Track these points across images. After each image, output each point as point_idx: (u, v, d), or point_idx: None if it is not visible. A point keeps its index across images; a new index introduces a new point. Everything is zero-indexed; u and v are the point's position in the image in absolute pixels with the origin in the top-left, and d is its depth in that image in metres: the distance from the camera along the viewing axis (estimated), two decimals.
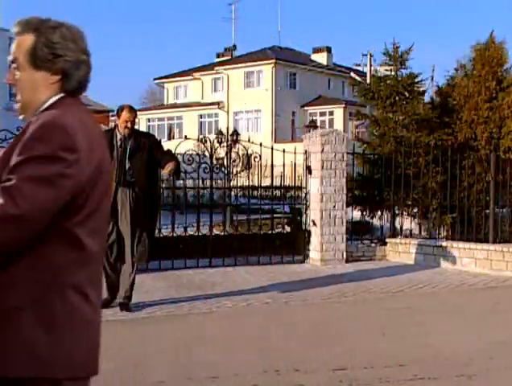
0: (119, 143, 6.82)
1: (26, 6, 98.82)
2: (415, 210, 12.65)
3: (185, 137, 11.17)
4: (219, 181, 11.69)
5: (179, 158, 10.20)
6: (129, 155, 6.81)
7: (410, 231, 12.29)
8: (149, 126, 52.77)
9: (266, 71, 48.73)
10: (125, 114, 6.77)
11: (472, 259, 10.28)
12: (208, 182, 10.87)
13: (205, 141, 10.67)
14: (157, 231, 9.93)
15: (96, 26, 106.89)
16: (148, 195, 6.91)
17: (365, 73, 38.02)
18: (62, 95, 2.02)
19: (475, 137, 13.15)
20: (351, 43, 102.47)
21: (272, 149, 10.96)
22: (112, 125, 6.51)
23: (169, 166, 6.76)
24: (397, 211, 12.53)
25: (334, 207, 10.87)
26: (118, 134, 6.85)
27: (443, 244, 10.91)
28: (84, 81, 2.08)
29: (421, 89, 13.68)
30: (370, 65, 38.12)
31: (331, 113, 49.43)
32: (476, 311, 7.29)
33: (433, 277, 9.53)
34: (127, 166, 6.80)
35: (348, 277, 9.45)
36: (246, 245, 10.49)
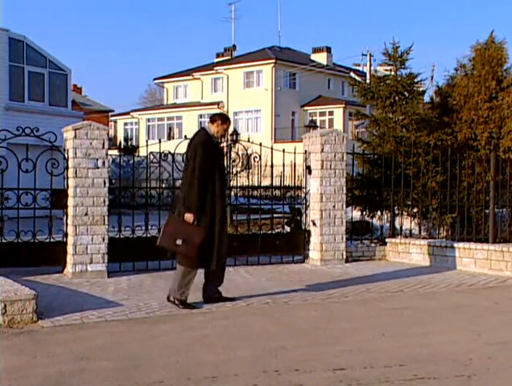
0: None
1: (27, 6, 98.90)
2: (415, 210, 12.65)
3: (185, 137, 11.14)
4: None
5: (179, 158, 10.25)
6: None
7: (410, 231, 12.29)
8: (148, 126, 52.78)
9: (265, 71, 48.74)
10: (229, 123, 7.45)
11: (471, 259, 10.28)
12: None
13: None
14: (157, 231, 9.95)
15: (96, 26, 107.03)
16: None
17: (365, 73, 38.06)
18: None
19: (475, 137, 13.16)
20: (351, 43, 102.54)
21: (272, 149, 10.96)
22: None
23: None
24: (397, 211, 12.53)
25: (334, 207, 10.87)
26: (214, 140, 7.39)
27: (443, 244, 10.91)
28: None
29: (421, 89, 13.67)
30: (370, 65, 38.18)
31: (331, 113, 49.45)
32: (476, 311, 7.29)
33: (433, 277, 9.53)
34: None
35: (348, 277, 9.45)
36: (246, 245, 10.49)
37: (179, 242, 6.95)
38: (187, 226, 6.99)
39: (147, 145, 10.73)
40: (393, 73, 13.49)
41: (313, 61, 51.64)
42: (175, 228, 7.00)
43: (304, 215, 11.17)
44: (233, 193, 11.72)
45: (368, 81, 20.41)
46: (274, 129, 48.15)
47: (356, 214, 12.32)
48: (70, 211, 9.19)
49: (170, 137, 49.55)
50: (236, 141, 12.69)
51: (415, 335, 6.03)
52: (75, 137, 9.15)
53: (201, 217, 7.02)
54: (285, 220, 13.12)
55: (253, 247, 10.53)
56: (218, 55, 55.26)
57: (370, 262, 11.24)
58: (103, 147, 9.27)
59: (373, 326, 6.36)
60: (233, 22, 67.96)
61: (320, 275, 9.64)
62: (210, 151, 7.18)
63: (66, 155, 9.34)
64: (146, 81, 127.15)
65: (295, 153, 11.15)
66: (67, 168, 9.31)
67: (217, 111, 50.54)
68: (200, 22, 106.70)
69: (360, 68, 42.62)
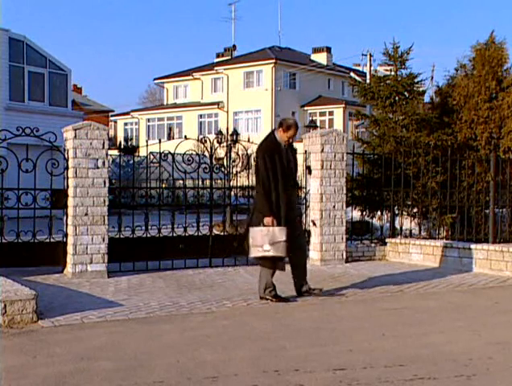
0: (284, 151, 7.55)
1: (27, 6, 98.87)
2: (415, 210, 12.65)
3: (185, 137, 11.17)
4: (219, 181, 11.68)
5: (179, 158, 10.26)
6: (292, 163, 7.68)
7: (410, 231, 12.29)
8: (148, 126, 52.76)
9: (265, 71, 48.73)
10: (293, 132, 7.59)
11: (471, 259, 10.28)
12: (208, 182, 10.87)
13: (205, 141, 10.67)
14: (157, 231, 9.97)
15: (95, 26, 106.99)
16: None
17: (365, 73, 38.04)
18: None
19: (475, 137, 13.16)
20: (351, 43, 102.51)
21: None
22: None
23: None
24: (397, 211, 12.53)
25: (334, 207, 10.87)
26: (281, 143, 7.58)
27: (443, 244, 10.91)
28: None
29: (421, 89, 13.67)
30: (370, 65, 38.16)
31: (331, 113, 49.45)
32: (476, 311, 7.29)
33: (433, 277, 9.53)
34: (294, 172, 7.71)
35: (348, 277, 9.45)
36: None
37: (267, 247, 7.20)
38: (268, 230, 7.20)
39: (147, 145, 10.73)
40: (393, 73, 13.49)
41: (313, 61, 51.63)
42: (258, 236, 7.22)
43: (304, 215, 11.17)
44: (233, 193, 11.72)
45: (368, 81, 20.40)
46: None
47: (356, 214, 12.32)
48: (70, 211, 9.19)
49: (170, 137, 49.52)
50: (236, 142, 12.68)
51: (415, 335, 6.03)
52: (75, 137, 9.15)
53: (279, 218, 7.30)
54: None
55: None
56: (218, 55, 55.24)
57: (370, 262, 11.24)
58: (103, 147, 9.27)
59: (373, 326, 6.36)
60: (233, 22, 68.06)
61: (320, 275, 9.64)
62: (276, 155, 7.38)
63: (66, 155, 9.33)
64: (146, 81, 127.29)
65: None
66: (67, 168, 9.31)
67: (217, 111, 50.57)
68: (200, 22, 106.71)
69: (360, 68, 42.60)
